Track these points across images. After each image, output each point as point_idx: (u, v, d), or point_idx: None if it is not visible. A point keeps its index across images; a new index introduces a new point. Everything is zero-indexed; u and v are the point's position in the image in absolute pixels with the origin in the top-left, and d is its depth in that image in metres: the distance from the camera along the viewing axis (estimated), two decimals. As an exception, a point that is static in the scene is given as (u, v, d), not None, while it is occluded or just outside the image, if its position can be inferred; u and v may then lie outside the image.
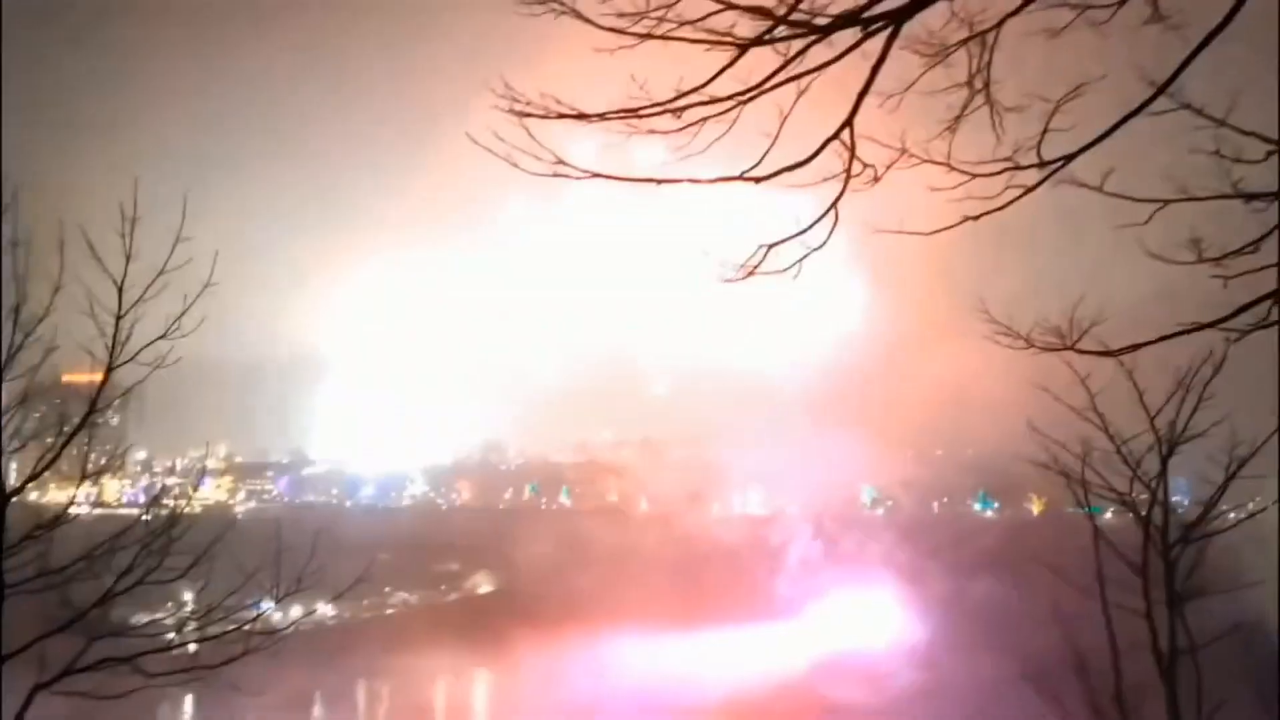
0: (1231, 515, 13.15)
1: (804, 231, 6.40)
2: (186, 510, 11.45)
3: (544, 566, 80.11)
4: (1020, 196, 7.03)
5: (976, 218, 7.22)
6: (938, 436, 79.96)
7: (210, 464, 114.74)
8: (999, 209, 7.17)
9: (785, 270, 6.45)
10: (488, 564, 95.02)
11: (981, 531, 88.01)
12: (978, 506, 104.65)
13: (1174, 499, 13.21)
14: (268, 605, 11.89)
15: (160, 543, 10.52)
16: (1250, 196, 6.66)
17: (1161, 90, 6.46)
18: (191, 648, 11.74)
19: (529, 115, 5.89)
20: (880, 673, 63.57)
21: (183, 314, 10.22)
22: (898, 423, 78.57)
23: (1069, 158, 6.72)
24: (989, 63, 6.92)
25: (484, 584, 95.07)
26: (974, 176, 7.06)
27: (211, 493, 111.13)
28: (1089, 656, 12.84)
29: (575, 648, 65.89)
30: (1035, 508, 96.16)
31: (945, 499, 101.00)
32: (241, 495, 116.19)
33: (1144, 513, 11.81)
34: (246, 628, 11.25)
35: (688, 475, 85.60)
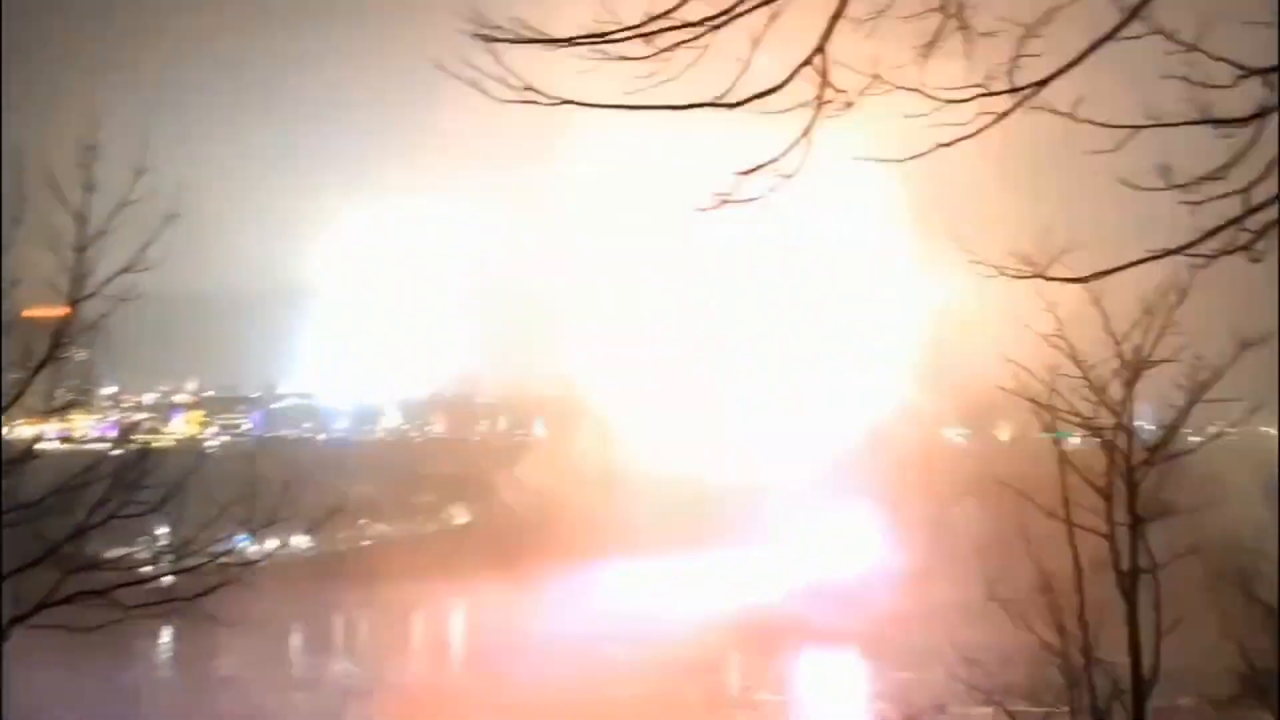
0: (1196, 439, 13.42)
1: (776, 159, 6.36)
2: (157, 444, 11.40)
3: (520, 497, 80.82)
4: (992, 123, 6.99)
5: (950, 144, 7.18)
6: (911, 363, 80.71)
7: (180, 398, 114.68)
8: (971, 135, 7.13)
9: (758, 198, 6.43)
10: (464, 496, 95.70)
11: (953, 457, 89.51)
12: (949, 433, 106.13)
13: (1140, 423, 13.44)
14: (243, 538, 11.95)
15: (132, 476, 10.51)
16: (1219, 123, 6.65)
17: (1133, 15, 6.41)
18: (167, 580, 11.79)
19: (497, 40, 5.78)
20: (857, 597, 64.96)
21: (146, 246, 10.07)
22: (872, 349, 79.10)
23: (1040, 83, 6.68)
24: (963, -14, 6.84)
25: (460, 515, 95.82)
26: (947, 103, 7.01)
27: (183, 427, 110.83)
28: (1055, 577, 13.18)
29: (552, 577, 66.74)
30: (1005, 434, 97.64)
31: (916, 425, 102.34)
32: (213, 430, 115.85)
33: (1109, 437, 12.04)
34: (221, 560, 11.32)
35: (664, 405, 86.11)
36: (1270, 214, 6.67)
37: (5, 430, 11.47)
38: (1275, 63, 6.49)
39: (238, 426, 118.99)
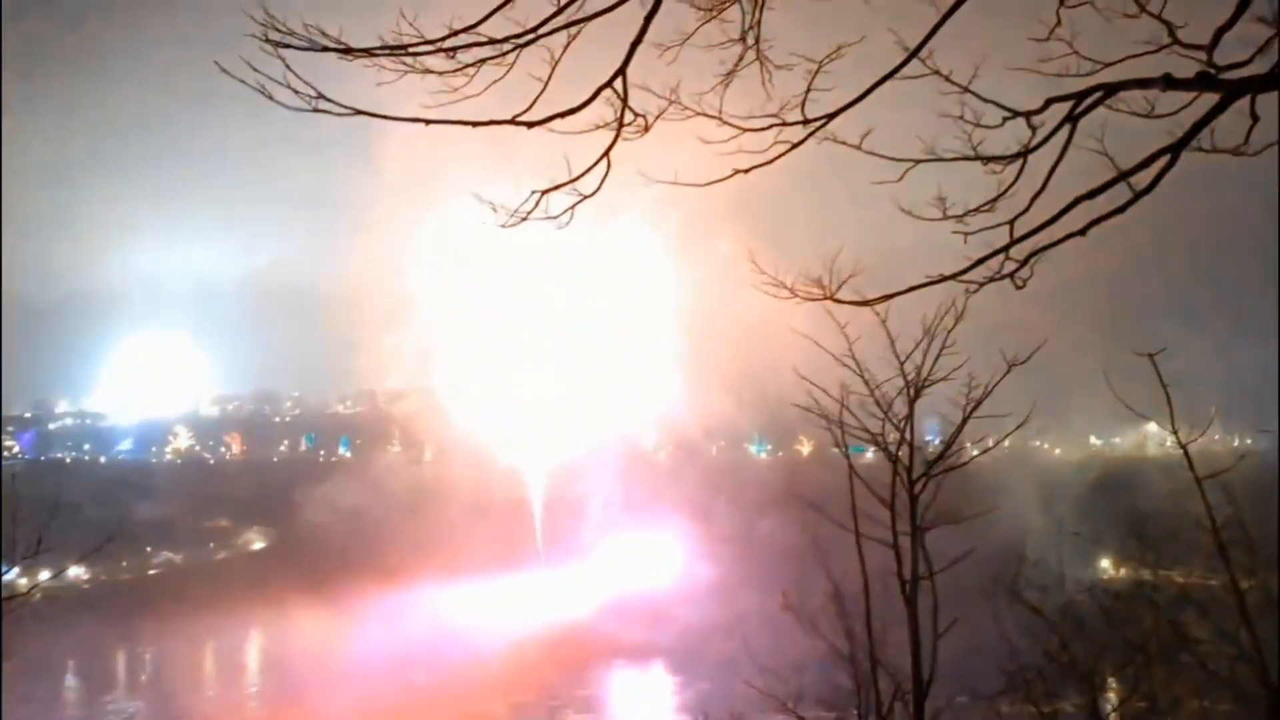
0: (973, 452, 14.41)
1: (577, 179, 6.41)
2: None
3: (321, 521, 77.82)
4: (786, 152, 7.29)
5: (746, 171, 7.45)
6: (718, 382, 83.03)
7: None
8: (767, 163, 7.42)
9: (558, 217, 6.46)
10: (261, 520, 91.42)
11: (756, 472, 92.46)
12: (753, 449, 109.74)
13: (927, 438, 14.32)
14: (6, 569, 10.97)
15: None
16: (988, 159, 7.17)
17: (913, 55, 6.84)
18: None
19: (288, 46, 5.56)
20: (664, 611, 65.94)
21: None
22: (677, 369, 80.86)
23: (830, 116, 7.03)
24: (759, 20, 7.12)
25: (257, 541, 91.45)
26: (744, 131, 7.27)
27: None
28: (846, 585, 13.85)
29: (355, 603, 64.57)
30: (805, 449, 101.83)
31: (723, 442, 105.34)
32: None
33: (893, 451, 12.78)
34: (-21, 594, 10.34)
35: (474, 424, 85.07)
36: (1033, 244, 7.23)
37: None
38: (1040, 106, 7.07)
39: (6, 449, 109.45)
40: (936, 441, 14.75)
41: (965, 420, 12.59)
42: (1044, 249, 7.10)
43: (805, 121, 7.27)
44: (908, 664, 12.20)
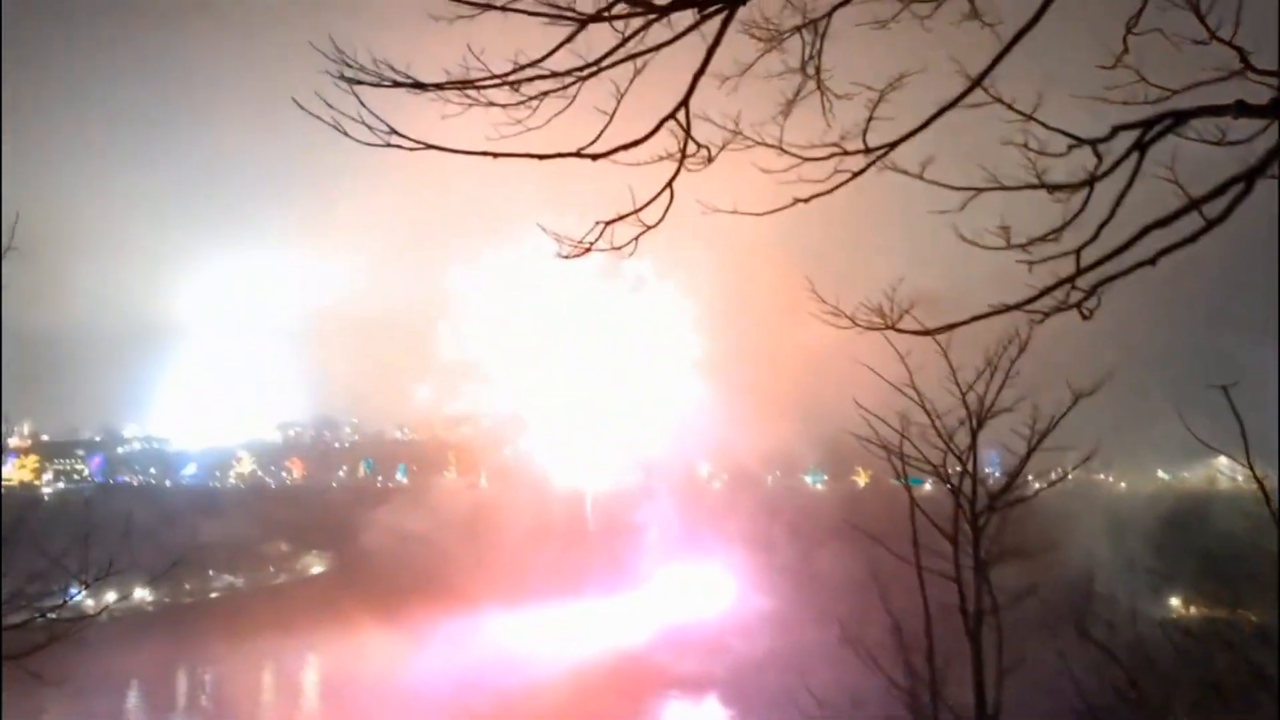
0: (1036, 485, 14.12)
1: (639, 210, 6.46)
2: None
3: (378, 546, 78.53)
4: (846, 181, 7.27)
5: (807, 200, 7.43)
6: (773, 411, 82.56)
7: (13, 442, 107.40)
8: (827, 192, 7.40)
9: (621, 248, 6.51)
10: (320, 544, 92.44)
11: (812, 502, 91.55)
12: (808, 479, 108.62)
13: (986, 470, 14.06)
14: (75, 591, 11.21)
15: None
16: (1053, 187, 7.08)
17: (976, 84, 6.79)
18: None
19: (361, 83, 5.70)
20: (718, 642, 65.31)
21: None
22: (733, 398, 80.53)
23: (891, 145, 7.00)
24: (820, 50, 7.13)
25: (315, 565, 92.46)
26: (804, 160, 7.26)
27: (14, 473, 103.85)
28: (905, 619, 13.61)
29: (411, 627, 64.92)
30: (861, 480, 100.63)
31: (778, 472, 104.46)
32: (48, 476, 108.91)
33: (956, 483, 12.57)
34: (50, 615, 10.57)
35: (529, 451, 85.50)
36: (1100, 273, 7.10)
37: None
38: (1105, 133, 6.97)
39: (76, 472, 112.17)
40: (997, 473, 14.46)
41: (1031, 452, 12.34)
42: (1112, 278, 6.97)
43: (866, 150, 7.25)
44: (969, 699, 11.94)
